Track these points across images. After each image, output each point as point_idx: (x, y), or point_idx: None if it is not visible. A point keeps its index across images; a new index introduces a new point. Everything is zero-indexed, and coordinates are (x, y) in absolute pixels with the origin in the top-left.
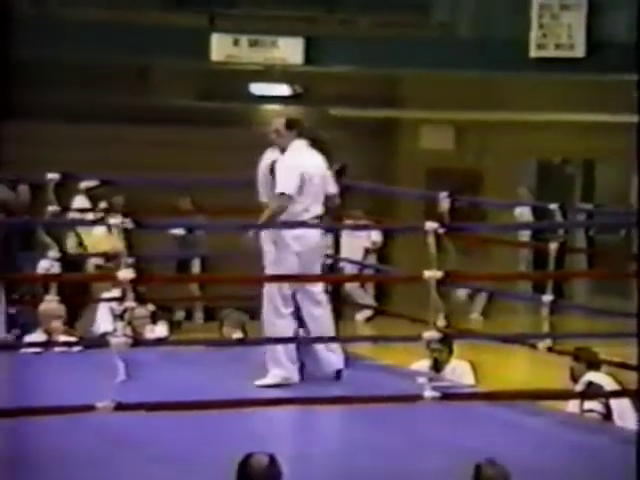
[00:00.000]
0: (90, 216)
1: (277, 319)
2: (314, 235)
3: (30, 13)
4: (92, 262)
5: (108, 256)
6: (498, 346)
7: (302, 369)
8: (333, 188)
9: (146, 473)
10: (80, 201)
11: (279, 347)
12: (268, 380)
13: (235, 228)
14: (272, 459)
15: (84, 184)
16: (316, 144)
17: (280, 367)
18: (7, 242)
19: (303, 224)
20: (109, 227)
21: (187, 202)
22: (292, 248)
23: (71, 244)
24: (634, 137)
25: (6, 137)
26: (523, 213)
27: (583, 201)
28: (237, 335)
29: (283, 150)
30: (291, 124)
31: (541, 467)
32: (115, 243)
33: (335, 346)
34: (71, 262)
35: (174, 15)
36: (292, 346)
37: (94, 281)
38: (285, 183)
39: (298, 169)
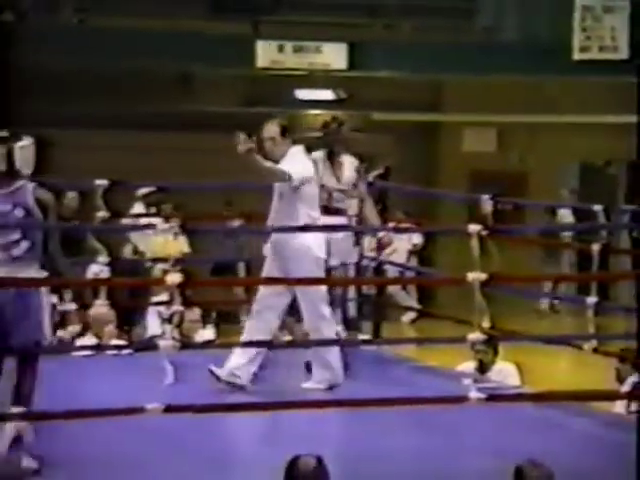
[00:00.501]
0: (145, 222)
1: (322, 322)
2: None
3: (73, 22)
4: (159, 267)
5: (174, 260)
6: (544, 348)
7: (346, 369)
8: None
9: (195, 474)
10: (139, 208)
11: (327, 350)
12: (315, 384)
13: (281, 231)
14: (319, 461)
15: (141, 191)
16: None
17: (328, 370)
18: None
19: (347, 227)
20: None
21: (231, 208)
22: (314, 254)
23: (127, 251)
24: None
25: (56, 145)
26: (565, 215)
27: (627, 203)
28: (284, 337)
29: (277, 159)
30: (286, 130)
31: (586, 468)
32: (179, 247)
33: None
34: (128, 267)
35: (219, 23)
36: (337, 348)
37: (142, 286)
38: (293, 173)
39: (302, 174)
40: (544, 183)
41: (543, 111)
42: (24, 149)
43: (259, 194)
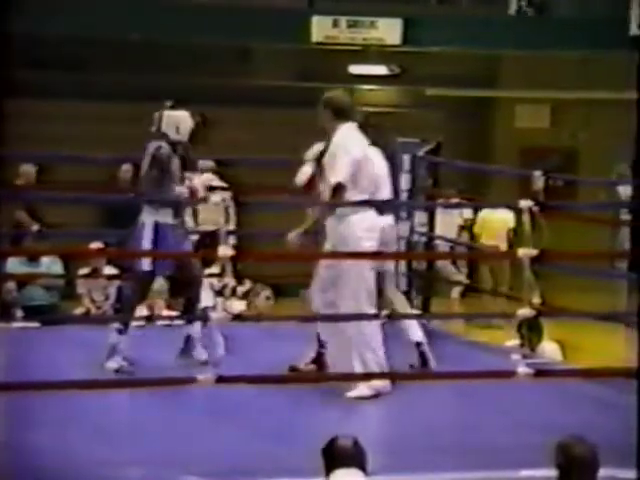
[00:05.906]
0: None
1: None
2: None
3: None
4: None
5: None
6: (593, 324)
7: None
8: None
9: (243, 445)
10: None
11: (369, 355)
12: (360, 392)
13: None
14: (356, 441)
15: (201, 164)
16: None
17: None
18: (115, 218)
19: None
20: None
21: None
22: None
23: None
24: None
25: (119, 117)
26: (626, 190)
27: None
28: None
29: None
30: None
31: (631, 444)
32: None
33: None
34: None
35: None
36: (382, 352)
37: (194, 257)
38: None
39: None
40: (598, 160)
41: (598, 87)
42: None
43: None
